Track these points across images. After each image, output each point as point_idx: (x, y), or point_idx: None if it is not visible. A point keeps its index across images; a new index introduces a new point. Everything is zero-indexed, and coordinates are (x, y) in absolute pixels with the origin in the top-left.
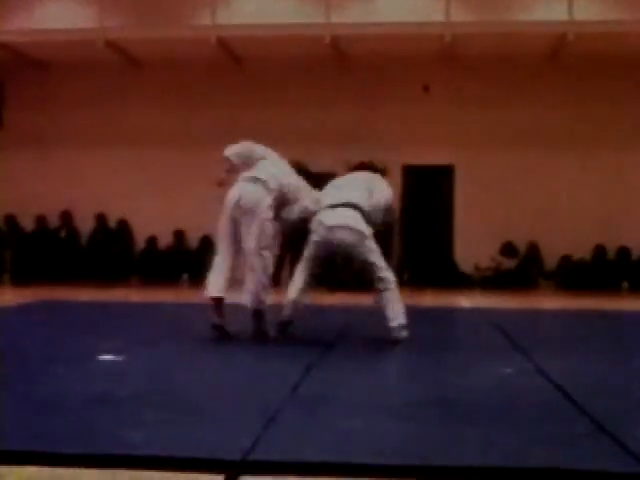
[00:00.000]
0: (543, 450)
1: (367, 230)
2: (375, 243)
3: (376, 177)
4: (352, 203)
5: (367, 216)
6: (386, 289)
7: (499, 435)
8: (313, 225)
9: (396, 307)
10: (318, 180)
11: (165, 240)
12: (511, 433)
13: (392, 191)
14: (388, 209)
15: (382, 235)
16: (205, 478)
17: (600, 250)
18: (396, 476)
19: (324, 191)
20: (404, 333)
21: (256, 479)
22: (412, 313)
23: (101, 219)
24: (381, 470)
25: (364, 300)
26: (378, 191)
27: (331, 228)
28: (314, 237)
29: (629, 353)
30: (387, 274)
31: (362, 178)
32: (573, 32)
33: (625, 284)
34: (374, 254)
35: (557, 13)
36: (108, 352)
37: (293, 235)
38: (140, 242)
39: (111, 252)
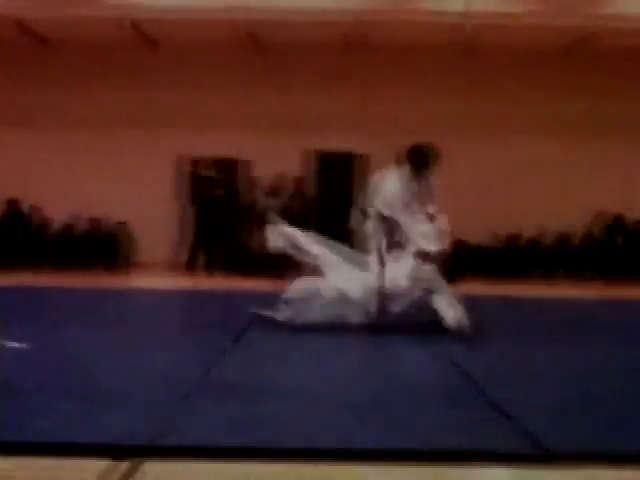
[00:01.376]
0: (446, 433)
1: None
2: None
3: None
4: None
5: None
6: None
7: (405, 419)
8: None
9: None
10: (230, 165)
11: (80, 225)
12: (417, 417)
13: None
14: None
15: (297, 224)
16: (110, 464)
17: (513, 238)
18: (301, 459)
19: None
20: None
21: (160, 465)
22: None
23: (14, 203)
24: (286, 453)
25: (279, 286)
26: None
27: None
28: None
29: (534, 339)
30: None
31: None
32: (470, 23)
33: (537, 272)
34: None
35: (453, 3)
36: (15, 339)
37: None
38: (55, 227)
39: (24, 237)
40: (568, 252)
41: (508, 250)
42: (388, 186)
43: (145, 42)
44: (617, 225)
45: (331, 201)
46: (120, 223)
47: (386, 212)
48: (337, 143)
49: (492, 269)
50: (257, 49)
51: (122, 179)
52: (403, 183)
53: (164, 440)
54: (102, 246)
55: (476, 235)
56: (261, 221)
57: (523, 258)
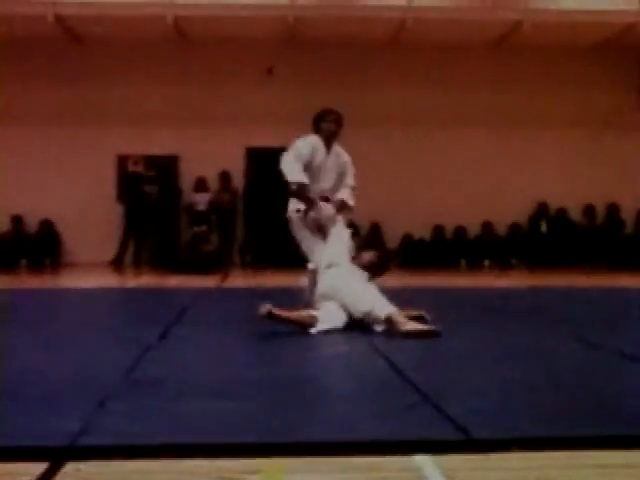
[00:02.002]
0: (370, 423)
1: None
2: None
3: None
4: None
5: None
6: None
7: (329, 410)
8: None
9: None
10: (159, 161)
11: (2, 225)
12: (341, 407)
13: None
14: None
15: (225, 219)
16: (30, 467)
17: (439, 229)
18: (222, 455)
19: None
20: None
21: (82, 465)
22: (254, 294)
23: None
24: (206, 449)
25: (205, 282)
26: None
27: None
28: None
29: (460, 328)
30: None
31: None
32: (412, 17)
33: (463, 262)
34: None
35: None
36: None
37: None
38: None
39: None
40: (493, 242)
41: (435, 241)
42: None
43: (71, 38)
44: (541, 214)
45: (260, 196)
46: (45, 222)
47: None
48: (269, 139)
49: (419, 260)
50: (187, 44)
51: (49, 177)
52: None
53: (85, 440)
54: (26, 246)
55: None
56: (190, 217)
57: (448, 249)
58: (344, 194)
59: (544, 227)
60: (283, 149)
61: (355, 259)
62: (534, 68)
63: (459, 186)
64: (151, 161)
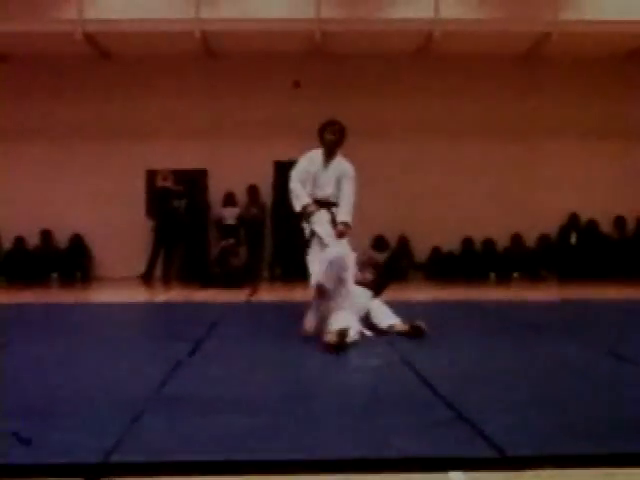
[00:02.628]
0: (404, 439)
1: None
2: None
3: None
4: None
5: None
6: None
7: (362, 426)
8: None
9: None
10: (188, 175)
11: (32, 239)
12: (374, 423)
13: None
14: None
15: (254, 233)
16: None
17: (468, 242)
18: (253, 472)
19: None
20: None
21: None
22: (283, 308)
23: None
24: (244, 466)
25: (234, 296)
26: None
27: None
28: None
29: (491, 341)
30: None
31: None
32: (439, 30)
33: (492, 275)
34: None
35: (424, 11)
36: None
37: None
38: (6, 242)
39: None
40: (523, 254)
41: (464, 254)
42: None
43: (99, 55)
44: (571, 225)
45: (288, 209)
46: (75, 236)
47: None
48: (296, 152)
49: (448, 273)
50: (215, 59)
51: (78, 192)
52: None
53: (118, 457)
54: (57, 260)
55: (434, 240)
56: (219, 232)
57: (478, 262)
58: (345, 215)
59: (574, 239)
60: None
61: (357, 278)
62: (562, 79)
63: (488, 198)
64: (180, 176)
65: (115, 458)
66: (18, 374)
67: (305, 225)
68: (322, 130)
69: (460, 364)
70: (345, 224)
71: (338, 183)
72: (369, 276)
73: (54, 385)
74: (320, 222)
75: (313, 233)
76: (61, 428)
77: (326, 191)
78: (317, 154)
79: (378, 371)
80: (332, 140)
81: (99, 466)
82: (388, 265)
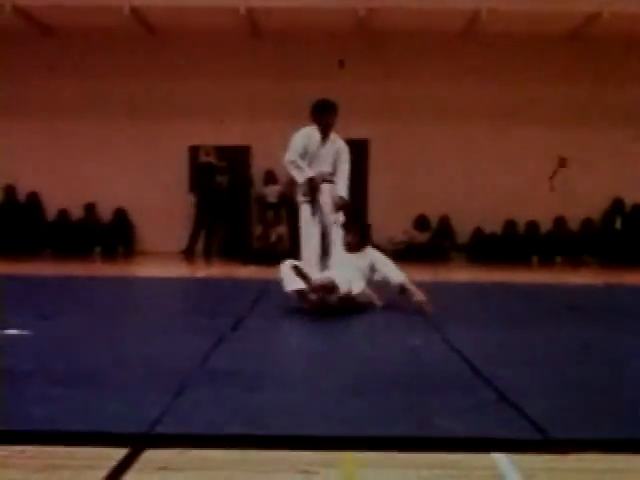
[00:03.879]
0: (446, 419)
1: None
2: None
3: None
4: None
5: None
6: None
7: (403, 405)
8: None
9: None
10: (231, 152)
11: (76, 213)
12: (416, 403)
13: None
14: None
15: (296, 210)
16: (108, 452)
17: (510, 224)
18: (300, 447)
19: None
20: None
21: (160, 452)
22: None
23: (10, 191)
24: (284, 441)
25: (276, 273)
26: None
27: None
28: None
29: (533, 323)
30: None
31: None
32: (486, 9)
33: (534, 258)
34: None
35: None
36: (15, 326)
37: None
38: (51, 215)
39: (21, 225)
40: (566, 238)
41: (506, 236)
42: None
43: (144, 29)
44: (615, 210)
45: None
46: (119, 210)
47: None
48: (339, 131)
49: (489, 255)
50: (260, 37)
51: (122, 166)
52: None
53: (163, 428)
54: (100, 233)
55: (475, 222)
56: (261, 209)
57: (520, 244)
58: (342, 190)
59: (619, 223)
60: (353, 141)
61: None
62: (610, 60)
63: (532, 180)
64: (223, 152)
65: (160, 429)
66: (63, 345)
67: (302, 199)
68: (319, 111)
69: (501, 345)
70: (342, 198)
71: (335, 161)
72: (352, 238)
73: (98, 356)
74: (325, 194)
75: (313, 207)
76: (107, 398)
77: (324, 168)
78: (314, 132)
79: (418, 350)
80: (329, 122)
81: (144, 436)
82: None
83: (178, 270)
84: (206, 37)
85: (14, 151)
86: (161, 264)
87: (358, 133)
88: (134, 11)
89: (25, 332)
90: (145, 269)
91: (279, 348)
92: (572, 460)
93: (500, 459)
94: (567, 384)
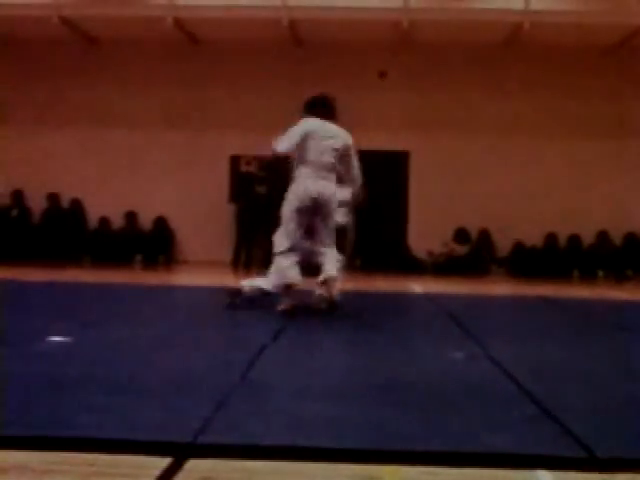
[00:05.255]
0: (488, 434)
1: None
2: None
3: None
4: None
5: None
6: None
7: (445, 419)
8: None
9: None
10: (272, 162)
11: (117, 221)
12: (458, 417)
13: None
14: None
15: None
16: (152, 461)
17: (552, 238)
18: (341, 459)
19: None
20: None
21: (204, 462)
22: (364, 298)
23: (53, 199)
24: (326, 453)
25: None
26: None
27: None
28: None
29: (576, 339)
30: None
31: None
32: (529, 21)
33: (576, 272)
34: None
35: (514, 2)
36: (58, 333)
37: None
38: (92, 223)
39: (63, 232)
40: (608, 252)
41: (547, 250)
42: None
43: (187, 40)
44: None
45: (371, 199)
46: (159, 219)
47: None
48: (381, 142)
49: (530, 269)
50: (301, 48)
51: (163, 176)
52: None
53: (206, 438)
54: (141, 242)
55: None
56: None
57: (561, 258)
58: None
59: None
60: (395, 152)
61: None
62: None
63: (574, 194)
64: (263, 162)
65: (203, 439)
66: (105, 352)
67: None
68: (314, 106)
69: (544, 361)
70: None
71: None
72: None
73: (141, 365)
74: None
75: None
76: (150, 407)
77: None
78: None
79: (461, 364)
80: (322, 116)
81: (188, 446)
82: None
83: (218, 279)
84: (248, 48)
85: (58, 159)
86: (201, 273)
87: (399, 145)
88: (177, 22)
89: (68, 339)
90: (186, 278)
91: (320, 359)
92: (618, 479)
93: (544, 476)
94: (613, 402)
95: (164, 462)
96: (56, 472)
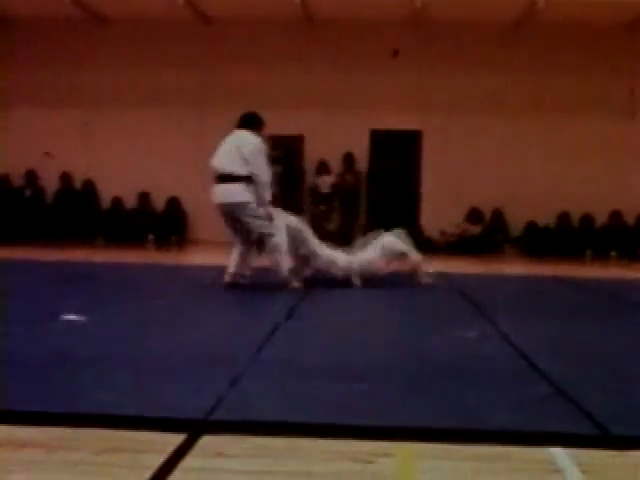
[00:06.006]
0: (501, 412)
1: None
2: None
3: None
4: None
5: None
6: None
7: (458, 397)
8: None
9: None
10: (285, 141)
11: (130, 201)
12: (471, 395)
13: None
14: None
15: (348, 200)
16: (167, 437)
17: (565, 217)
18: (353, 436)
19: None
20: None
21: (218, 438)
22: (378, 278)
23: (66, 179)
24: (340, 430)
25: None
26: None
27: None
28: None
29: (590, 318)
30: None
31: None
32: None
33: (589, 252)
34: None
35: None
36: (72, 312)
37: None
38: (106, 202)
39: (76, 212)
40: (621, 232)
41: (560, 230)
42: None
43: (198, 19)
44: None
45: (383, 178)
46: (172, 199)
47: None
48: (393, 121)
49: (543, 249)
50: (315, 26)
51: (176, 156)
52: None
53: (219, 415)
54: (154, 222)
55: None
56: (313, 199)
57: (574, 238)
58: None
59: None
60: (407, 132)
61: None
62: None
63: (587, 173)
64: (277, 141)
65: (217, 416)
66: (119, 331)
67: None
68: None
69: (557, 339)
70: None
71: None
72: None
73: (155, 343)
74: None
75: None
76: (165, 384)
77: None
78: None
79: (474, 342)
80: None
81: (202, 422)
82: None
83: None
84: (259, 26)
85: (70, 139)
86: (213, 253)
87: (411, 124)
88: (188, 1)
89: (82, 318)
90: (198, 257)
91: (334, 337)
92: (632, 457)
93: (558, 453)
94: (626, 380)
95: (178, 438)
96: (71, 448)
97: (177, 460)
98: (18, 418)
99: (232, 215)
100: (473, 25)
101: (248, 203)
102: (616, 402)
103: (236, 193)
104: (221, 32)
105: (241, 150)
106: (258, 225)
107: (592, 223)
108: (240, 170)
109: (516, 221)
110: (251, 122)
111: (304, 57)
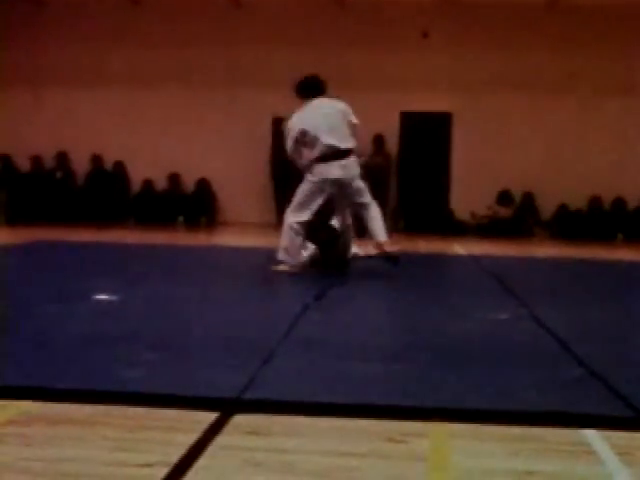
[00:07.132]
0: (534, 393)
1: None
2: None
3: None
4: None
5: None
6: None
7: (491, 378)
8: None
9: None
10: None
11: (160, 182)
12: (504, 376)
13: None
14: None
15: (378, 183)
16: (197, 416)
17: (596, 200)
18: (386, 416)
19: None
20: None
21: (249, 417)
22: (407, 259)
23: (97, 160)
24: (372, 410)
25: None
26: None
27: None
28: None
29: (620, 301)
30: None
31: None
32: None
33: (620, 235)
34: None
35: None
36: (103, 292)
37: None
38: (136, 184)
39: (107, 194)
40: None
41: (591, 213)
42: None
43: (229, 1)
44: None
45: (414, 160)
46: (202, 181)
47: None
48: (424, 103)
49: (574, 232)
50: (344, 8)
51: (206, 137)
52: None
53: (251, 394)
54: (183, 203)
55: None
56: None
57: (606, 221)
58: None
59: None
60: (438, 113)
61: None
62: None
63: (619, 156)
64: None
65: (249, 395)
66: (151, 310)
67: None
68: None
69: (589, 322)
70: None
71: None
72: None
73: (186, 322)
74: None
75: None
76: (197, 363)
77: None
78: None
79: (507, 324)
80: None
81: (234, 401)
82: None
83: (260, 240)
84: (290, 8)
85: (101, 121)
86: (243, 234)
87: (441, 106)
88: None
89: (114, 297)
90: (228, 239)
91: (364, 318)
92: None
93: (591, 435)
94: None
95: (210, 417)
96: (104, 424)
97: (209, 438)
98: (51, 395)
99: (344, 190)
100: (504, 5)
101: (359, 174)
102: None
103: (352, 166)
104: (252, 13)
105: (348, 119)
106: (363, 193)
107: (624, 206)
108: (350, 144)
109: (547, 204)
110: (325, 87)
111: (335, 39)
